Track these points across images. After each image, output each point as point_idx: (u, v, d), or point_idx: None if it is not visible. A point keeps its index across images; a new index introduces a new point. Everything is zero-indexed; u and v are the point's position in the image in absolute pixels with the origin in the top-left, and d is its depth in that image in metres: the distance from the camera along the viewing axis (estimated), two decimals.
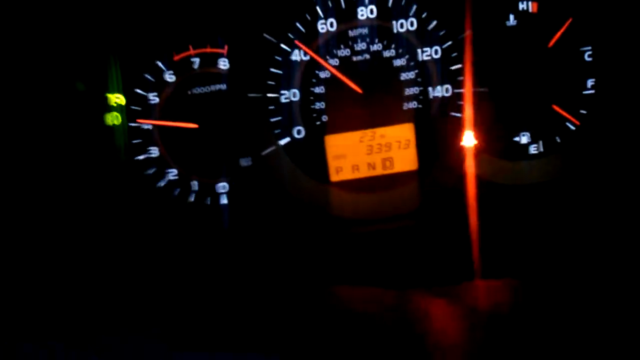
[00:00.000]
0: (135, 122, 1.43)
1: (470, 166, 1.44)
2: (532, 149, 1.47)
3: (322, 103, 1.43)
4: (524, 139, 1.47)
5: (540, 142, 1.47)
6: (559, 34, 1.41)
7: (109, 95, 1.41)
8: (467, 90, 1.42)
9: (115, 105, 1.41)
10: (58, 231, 1.35)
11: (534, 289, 1.23)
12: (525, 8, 1.41)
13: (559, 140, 1.47)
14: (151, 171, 1.45)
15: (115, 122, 1.41)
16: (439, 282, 1.27)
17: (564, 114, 1.45)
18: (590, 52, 1.43)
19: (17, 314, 1.23)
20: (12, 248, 1.29)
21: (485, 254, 1.33)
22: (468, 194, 1.42)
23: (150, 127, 1.44)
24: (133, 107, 1.43)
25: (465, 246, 1.34)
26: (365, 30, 1.41)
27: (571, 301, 1.21)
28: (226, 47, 1.41)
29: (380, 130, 1.44)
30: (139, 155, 1.44)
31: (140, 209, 1.44)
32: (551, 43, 1.42)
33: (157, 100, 1.42)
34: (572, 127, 1.46)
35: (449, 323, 1.08)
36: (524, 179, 1.46)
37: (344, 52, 1.42)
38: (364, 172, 1.46)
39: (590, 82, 1.44)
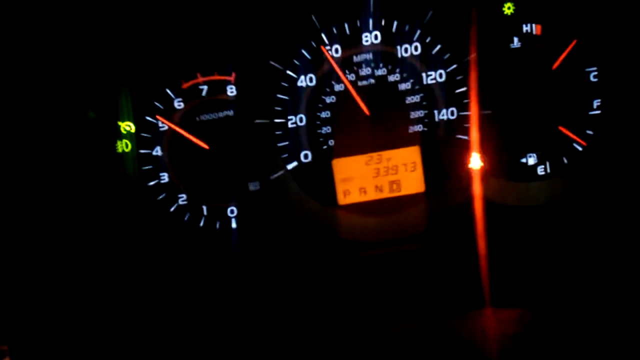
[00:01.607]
0: (156, 119, 1.46)
1: (477, 188, 1.44)
2: (540, 170, 1.47)
3: (329, 127, 1.45)
4: (530, 160, 1.47)
5: (548, 163, 1.47)
6: (563, 55, 1.42)
7: (120, 123, 1.44)
8: (473, 113, 1.43)
9: (125, 132, 1.44)
10: (70, 257, 1.38)
11: (544, 317, 1.23)
12: (529, 30, 1.42)
13: (566, 162, 1.47)
14: (162, 197, 1.47)
15: (126, 150, 1.44)
16: (447, 308, 1.27)
17: (571, 135, 1.45)
18: (595, 73, 1.43)
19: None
20: (23, 277, 1.32)
21: (494, 278, 1.34)
22: (476, 216, 1.42)
23: (160, 153, 1.46)
24: (143, 134, 1.46)
25: (474, 270, 1.35)
26: (369, 56, 1.43)
27: (579, 327, 1.21)
28: (234, 74, 1.43)
29: (386, 154, 1.45)
30: (150, 181, 1.47)
31: (152, 233, 1.47)
32: (556, 65, 1.42)
33: (166, 127, 1.45)
34: (579, 148, 1.46)
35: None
36: (531, 201, 1.46)
37: (349, 77, 1.43)
38: (371, 195, 1.47)
39: (596, 103, 1.44)
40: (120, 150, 1.44)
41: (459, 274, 1.36)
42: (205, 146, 1.44)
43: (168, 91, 1.45)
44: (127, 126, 1.44)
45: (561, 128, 1.46)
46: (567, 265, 1.33)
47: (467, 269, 1.36)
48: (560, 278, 1.31)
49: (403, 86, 1.44)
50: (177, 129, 1.43)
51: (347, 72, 1.43)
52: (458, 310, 1.28)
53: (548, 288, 1.30)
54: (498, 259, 1.36)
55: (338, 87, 1.44)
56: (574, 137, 1.46)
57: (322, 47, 1.42)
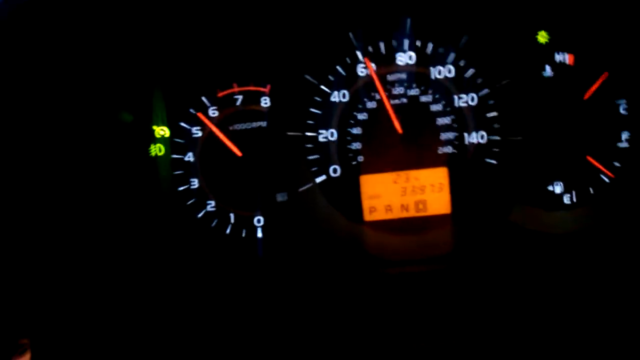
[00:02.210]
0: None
1: (503, 213, 1.45)
2: (566, 199, 1.48)
3: (359, 143, 1.47)
4: (557, 188, 1.48)
5: (574, 193, 1.48)
6: (594, 86, 1.43)
7: (155, 128, 1.47)
8: (502, 138, 1.44)
9: (160, 137, 1.47)
10: (97, 257, 1.39)
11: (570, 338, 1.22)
12: (561, 60, 1.44)
13: (592, 192, 1.47)
14: (191, 202, 1.49)
15: (159, 154, 1.47)
16: (470, 329, 1.27)
17: (598, 165, 1.46)
18: (625, 106, 1.45)
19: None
20: (51, 276, 1.33)
21: (518, 302, 1.33)
22: (502, 240, 1.42)
23: (192, 159, 1.48)
24: (177, 140, 1.48)
25: (499, 294, 1.34)
26: (403, 75, 1.45)
27: (605, 351, 1.20)
28: (268, 86, 1.46)
29: (414, 173, 1.47)
30: (180, 186, 1.49)
31: (179, 237, 1.48)
32: (587, 95, 1.44)
33: (200, 134, 1.48)
34: (606, 180, 1.46)
35: None
36: (557, 228, 1.46)
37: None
38: (397, 213, 1.47)
39: (624, 136, 1.45)
40: (153, 154, 1.46)
41: (484, 296, 1.35)
42: (239, 153, 1.46)
43: (204, 99, 1.48)
44: (161, 130, 1.47)
45: (589, 158, 1.46)
46: (590, 291, 1.33)
47: (492, 292, 1.35)
48: (583, 305, 1.31)
49: (435, 107, 1.46)
50: (216, 130, 1.46)
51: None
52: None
53: (571, 314, 1.29)
54: (522, 283, 1.36)
55: (370, 105, 1.46)
56: (602, 167, 1.46)
57: (365, 59, 1.44)
